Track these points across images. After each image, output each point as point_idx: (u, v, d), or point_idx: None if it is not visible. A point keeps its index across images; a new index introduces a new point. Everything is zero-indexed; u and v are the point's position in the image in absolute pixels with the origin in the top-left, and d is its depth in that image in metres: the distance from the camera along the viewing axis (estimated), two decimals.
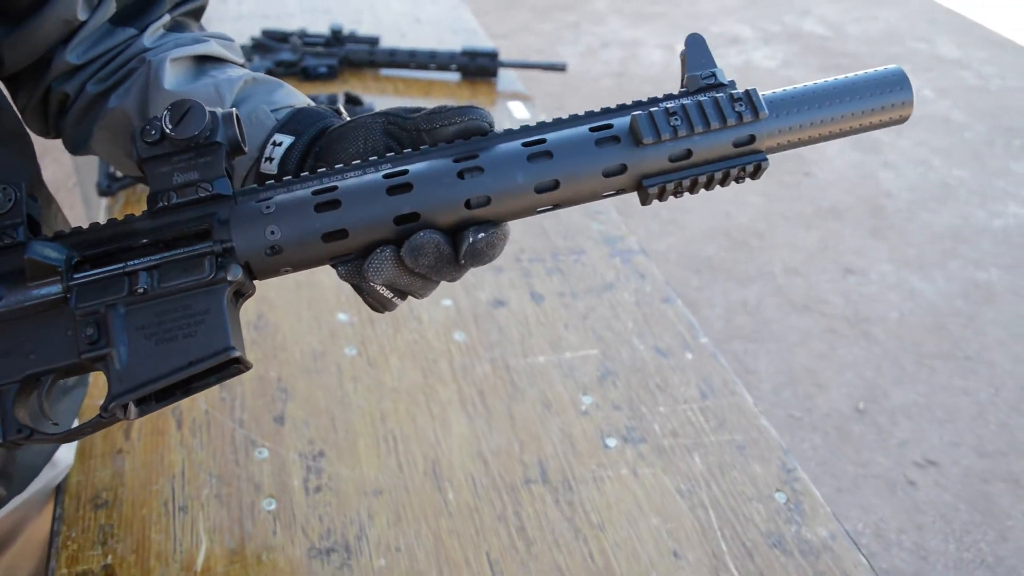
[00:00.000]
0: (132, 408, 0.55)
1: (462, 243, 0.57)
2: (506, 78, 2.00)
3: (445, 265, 0.58)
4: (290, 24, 2.15)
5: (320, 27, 2.06)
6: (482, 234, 0.57)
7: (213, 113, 0.58)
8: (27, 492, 0.98)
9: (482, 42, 2.16)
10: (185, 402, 1.08)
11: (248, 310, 1.24)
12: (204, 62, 0.78)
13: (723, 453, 1.07)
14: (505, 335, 1.24)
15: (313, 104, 0.75)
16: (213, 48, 0.79)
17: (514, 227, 1.48)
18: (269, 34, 2.00)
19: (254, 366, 1.13)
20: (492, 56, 1.94)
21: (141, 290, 0.55)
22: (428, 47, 2.00)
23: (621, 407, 1.13)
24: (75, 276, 0.56)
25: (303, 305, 1.27)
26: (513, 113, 1.85)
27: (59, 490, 0.98)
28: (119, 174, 1.52)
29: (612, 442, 1.08)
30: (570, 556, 0.94)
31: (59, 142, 0.85)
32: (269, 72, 1.86)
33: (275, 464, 1.01)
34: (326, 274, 1.33)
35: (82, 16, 0.75)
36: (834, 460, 2.61)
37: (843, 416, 2.76)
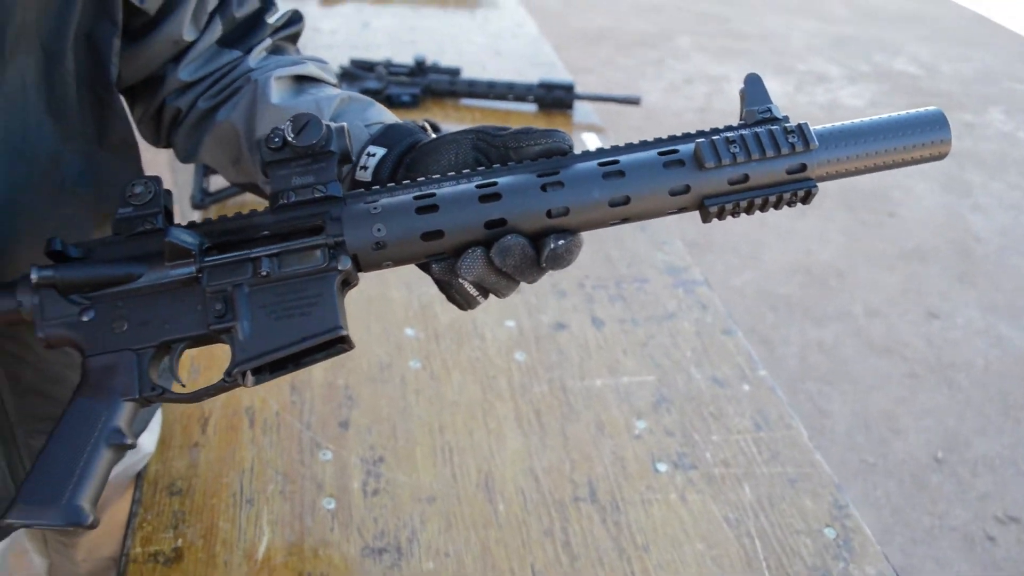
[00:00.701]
0: (250, 376, 0.63)
1: (544, 248, 0.64)
2: (582, 110, 2.05)
3: (528, 266, 0.65)
4: (377, 54, 2.25)
5: (405, 58, 2.15)
6: (562, 241, 0.64)
7: (328, 126, 0.66)
8: (111, 475, 1.06)
9: (560, 75, 2.22)
10: (257, 403, 1.15)
11: None
12: (304, 81, 0.85)
13: (774, 485, 1.08)
14: (564, 357, 1.27)
15: (406, 123, 0.81)
16: (311, 69, 0.86)
17: (580, 254, 1.51)
18: (357, 63, 2.10)
19: (324, 373, 1.20)
20: (568, 88, 1.99)
21: (264, 273, 0.63)
22: (507, 79, 2.06)
23: (674, 433, 1.15)
24: (206, 259, 0.64)
25: (373, 318, 1.33)
26: (587, 144, 1.90)
27: (139, 476, 1.05)
28: (212, 189, 1.62)
29: (663, 467, 1.10)
30: (612, 574, 0.96)
31: (154, 159, 0.93)
32: None
33: (337, 466, 1.07)
34: (396, 290, 1.39)
35: (189, 37, 0.83)
36: (908, 509, 2.54)
37: (920, 464, 2.69)
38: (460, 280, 0.65)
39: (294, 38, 0.94)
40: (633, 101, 2.06)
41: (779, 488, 1.08)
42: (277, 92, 0.81)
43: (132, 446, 0.66)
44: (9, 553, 1.03)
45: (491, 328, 1.33)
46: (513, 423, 1.15)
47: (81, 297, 0.65)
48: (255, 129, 0.79)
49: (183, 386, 0.68)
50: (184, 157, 0.89)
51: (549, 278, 1.44)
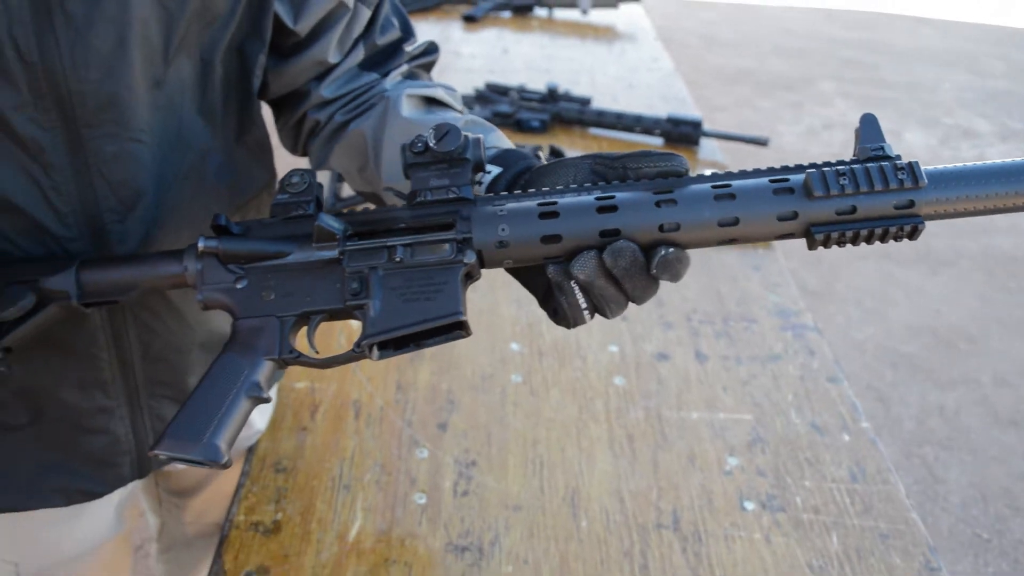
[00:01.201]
0: (375, 350, 0.69)
1: (654, 256, 0.67)
2: (708, 147, 2.06)
3: (638, 272, 0.67)
4: (513, 79, 2.32)
5: (538, 84, 2.22)
6: (672, 249, 0.67)
7: (466, 136, 0.72)
8: None
9: (690, 111, 2.23)
10: (364, 396, 1.21)
11: None
12: (432, 103, 0.92)
13: (864, 538, 1.06)
14: (663, 387, 1.29)
15: (522, 151, 0.86)
16: (440, 94, 0.92)
17: (689, 288, 1.52)
18: (492, 87, 2.17)
19: (429, 377, 1.26)
20: (696, 125, 2.01)
21: (398, 259, 0.70)
22: (636, 111, 2.09)
23: (766, 474, 1.15)
24: (348, 244, 0.72)
25: (482, 330, 1.38)
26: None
27: (250, 451, 1.13)
28: (343, 195, 1.72)
29: (750, 505, 1.10)
30: None
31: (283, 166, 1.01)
32: (487, 120, 2.03)
33: (432, 464, 1.12)
34: (507, 307, 1.44)
35: (333, 59, 0.91)
36: None
37: None
38: (571, 285, 0.68)
39: (429, 67, 1.01)
40: (761, 142, 2.05)
41: (869, 542, 1.06)
42: (407, 107, 0.87)
43: (267, 400, 0.73)
44: (124, 509, 1.12)
45: (594, 351, 1.35)
46: (605, 445, 1.17)
47: (237, 267, 0.73)
48: (383, 139, 0.86)
49: (316, 353, 0.74)
50: (316, 164, 0.97)
51: (656, 308, 1.46)
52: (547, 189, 0.72)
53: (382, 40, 0.95)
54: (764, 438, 1.20)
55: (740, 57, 5.99)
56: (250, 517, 1.03)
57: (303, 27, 0.88)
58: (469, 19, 2.93)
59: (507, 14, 3.05)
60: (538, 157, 0.83)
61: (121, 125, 0.76)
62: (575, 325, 0.72)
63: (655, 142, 2.06)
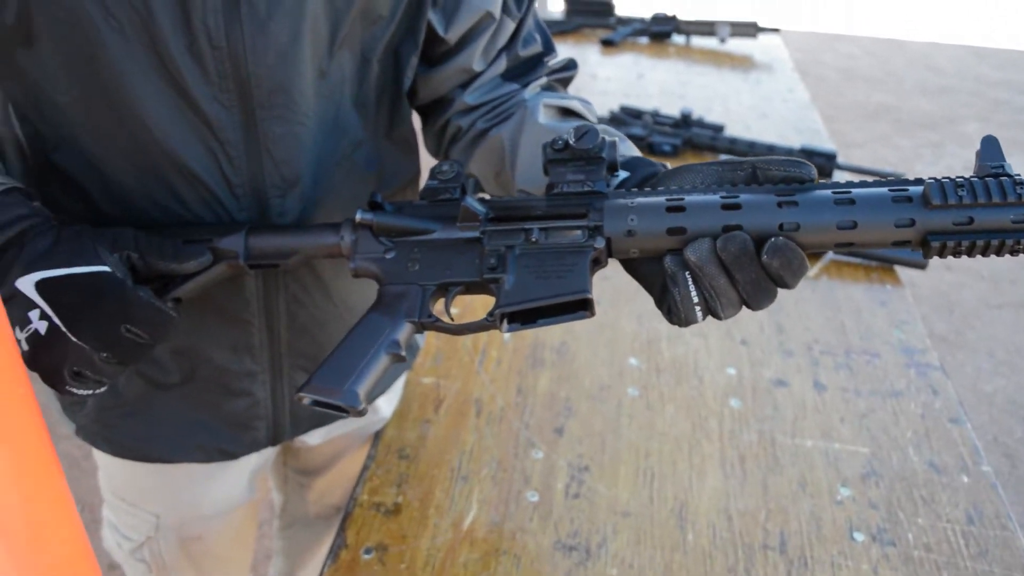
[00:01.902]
0: (505, 322, 0.74)
1: (766, 243, 0.69)
2: (840, 179, 2.03)
3: (748, 260, 0.69)
4: (647, 103, 2.36)
5: (672, 110, 2.25)
6: (782, 237, 0.69)
7: (604, 137, 0.77)
8: (350, 429, 1.22)
9: (825, 144, 2.21)
10: (485, 396, 1.27)
11: (554, 336, 1.42)
12: (567, 113, 0.97)
13: None
14: (779, 412, 1.29)
15: (652, 160, 0.90)
16: (576, 105, 0.97)
17: (812, 318, 1.52)
18: (626, 110, 2.22)
19: (549, 383, 1.30)
20: (830, 157, 2.00)
21: (534, 240, 0.76)
22: (769, 140, 2.09)
23: (878, 507, 1.14)
24: (488, 225, 0.78)
25: (602, 343, 1.42)
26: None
27: (376, 436, 1.20)
28: None
29: (860, 536, 1.09)
30: None
31: None
32: None
33: (546, 466, 1.16)
34: (628, 322, 1.48)
35: (478, 68, 0.97)
36: None
37: None
38: (685, 275, 0.70)
39: (566, 82, 1.07)
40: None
41: None
42: (544, 115, 0.93)
43: (403, 359, 0.78)
44: (256, 479, 1.21)
45: (711, 372, 1.37)
46: (717, 463, 1.19)
47: (387, 240, 0.81)
48: (519, 144, 0.91)
49: (451, 320, 0.81)
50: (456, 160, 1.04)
51: (777, 334, 1.47)
52: (676, 188, 0.75)
53: (524, 52, 1.01)
54: (879, 472, 1.19)
55: (880, 93, 5.83)
56: (373, 497, 1.10)
57: (452, 35, 0.94)
58: (607, 43, 2.99)
59: (644, 40, 3.09)
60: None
61: (289, 108, 0.84)
62: (687, 323, 0.73)
63: None
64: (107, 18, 0.74)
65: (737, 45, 3.06)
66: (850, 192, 0.70)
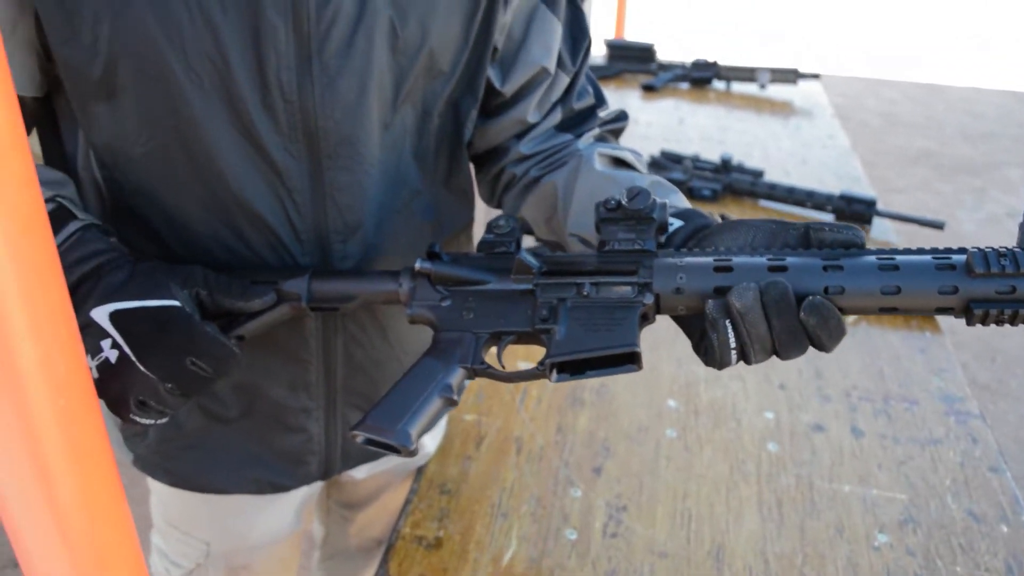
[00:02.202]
0: (555, 372, 0.76)
1: (804, 300, 0.71)
2: (881, 227, 2.05)
3: (787, 307, 0.70)
4: (687, 148, 2.39)
5: (712, 155, 2.28)
6: (820, 296, 0.70)
7: (655, 199, 0.80)
8: (394, 463, 1.25)
9: (865, 190, 2.23)
10: (526, 434, 1.30)
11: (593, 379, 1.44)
12: (620, 163, 1.00)
13: None
14: (816, 457, 1.30)
15: (703, 212, 0.93)
16: (627, 156, 1.01)
17: (851, 364, 1.53)
18: (666, 155, 2.25)
19: (588, 423, 1.33)
20: (869, 204, 2.01)
21: (586, 294, 0.78)
22: (808, 186, 2.11)
23: (915, 554, 1.14)
24: (541, 279, 0.81)
25: (641, 385, 1.44)
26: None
27: (419, 471, 1.24)
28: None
29: None
30: None
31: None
32: None
33: (584, 504, 1.18)
34: (667, 365, 1.50)
35: (533, 120, 1.01)
36: None
37: None
38: (726, 323, 0.72)
39: (618, 132, 1.10)
40: (936, 225, 2.02)
41: None
42: (599, 162, 0.97)
43: (455, 403, 0.81)
44: (303, 510, 1.24)
45: (749, 415, 1.39)
46: (754, 506, 1.20)
47: (444, 289, 0.84)
48: (573, 190, 0.95)
49: (503, 368, 0.83)
50: (508, 213, 1.07)
51: (815, 379, 1.48)
52: (723, 249, 0.77)
53: (578, 105, 1.05)
54: (917, 519, 1.20)
55: (922, 138, 5.82)
56: (415, 531, 1.13)
57: (509, 88, 0.99)
58: (648, 88, 3.04)
59: (685, 85, 3.13)
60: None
61: (354, 159, 0.89)
62: (723, 367, 0.75)
63: (826, 218, 2.07)
64: (188, 72, 0.79)
65: (777, 91, 3.09)
66: (894, 259, 0.72)
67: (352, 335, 1.01)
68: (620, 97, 2.98)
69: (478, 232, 1.15)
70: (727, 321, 0.72)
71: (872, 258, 0.73)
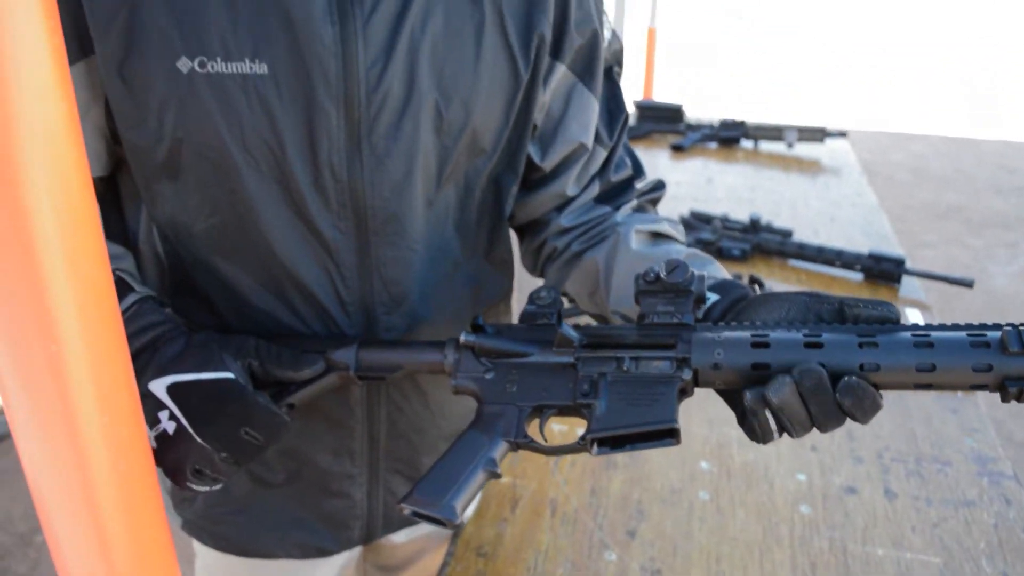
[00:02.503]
0: (596, 446, 0.79)
1: (839, 381, 0.72)
2: (910, 285, 2.07)
3: (823, 393, 0.72)
4: (715, 208, 2.43)
5: (742, 214, 2.32)
6: (855, 377, 0.72)
7: (692, 271, 0.83)
8: (432, 527, 1.28)
9: (892, 248, 2.25)
10: (560, 497, 1.32)
11: None
12: (657, 236, 1.03)
13: None
14: (849, 520, 1.31)
15: (739, 281, 0.96)
16: (665, 228, 1.04)
17: (883, 425, 1.54)
18: (696, 215, 2.29)
19: (621, 486, 1.35)
20: (898, 263, 2.03)
21: (625, 368, 0.80)
22: (837, 245, 2.14)
23: None
24: (582, 352, 0.83)
25: (673, 447, 1.45)
26: (910, 321, 1.91)
27: (455, 534, 1.26)
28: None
29: None
30: None
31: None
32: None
33: (619, 568, 1.20)
34: (699, 427, 1.52)
35: (571, 193, 1.05)
36: None
37: None
38: (765, 411, 0.74)
39: (656, 201, 1.14)
40: (965, 283, 2.03)
41: None
42: (635, 241, 1.00)
43: (498, 476, 0.83)
44: (343, 573, 1.27)
45: (782, 477, 1.40)
46: (788, 570, 1.21)
47: (487, 361, 0.86)
48: (613, 269, 0.98)
49: (545, 441, 0.86)
50: (552, 286, 1.11)
51: (847, 441, 1.49)
52: (760, 323, 0.79)
53: (616, 177, 1.08)
54: None
55: (951, 192, 5.81)
56: None
57: (548, 164, 1.03)
58: (677, 148, 3.09)
59: (713, 145, 3.18)
60: (753, 288, 0.92)
61: (401, 235, 0.94)
62: (766, 442, 0.78)
63: (855, 277, 2.09)
64: (245, 155, 0.85)
65: (805, 149, 3.13)
66: (929, 335, 0.73)
67: (395, 403, 1.04)
68: (649, 157, 3.04)
69: (515, 294, 1.19)
70: (767, 411, 0.74)
71: (907, 334, 0.74)
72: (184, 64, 0.81)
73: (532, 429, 0.85)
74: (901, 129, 7.33)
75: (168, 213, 0.91)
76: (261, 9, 0.81)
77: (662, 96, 3.82)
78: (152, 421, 0.81)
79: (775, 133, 3.12)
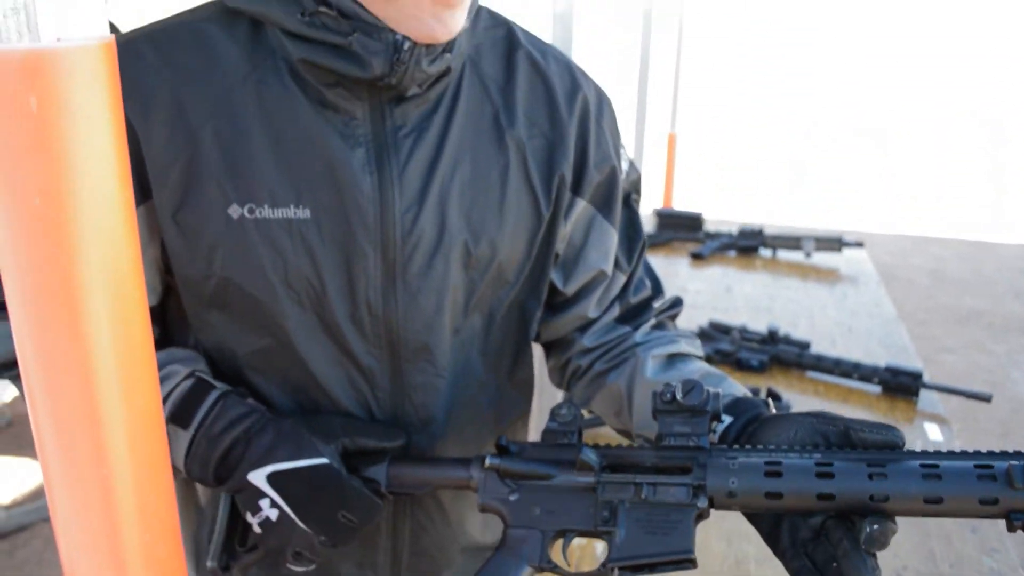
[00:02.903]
0: (617, 572, 0.81)
1: (861, 533, 0.75)
2: (928, 398, 2.09)
3: (853, 549, 0.75)
4: (735, 317, 2.49)
5: (759, 324, 2.37)
6: (877, 525, 0.75)
7: (708, 391, 0.86)
8: None
9: (911, 360, 2.28)
10: None
11: None
12: (675, 357, 1.08)
13: None
14: None
15: (749, 395, 0.99)
16: (682, 347, 1.08)
17: (901, 544, 1.55)
18: (715, 325, 2.35)
19: None
20: (915, 376, 2.06)
21: (644, 496, 0.84)
22: (855, 357, 2.18)
23: None
24: (603, 475, 0.86)
25: None
26: (928, 435, 1.93)
27: None
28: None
29: None
30: None
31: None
32: (707, 358, 2.19)
33: None
34: (717, 543, 1.54)
35: (592, 315, 1.11)
36: None
37: None
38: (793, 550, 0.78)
39: (674, 317, 1.19)
40: (983, 398, 2.06)
41: None
42: (651, 367, 1.05)
43: None
44: None
45: None
46: None
47: (512, 482, 0.89)
48: (634, 394, 1.04)
49: (568, 566, 0.88)
50: (579, 404, 1.16)
51: None
52: (773, 447, 0.82)
53: (634, 299, 1.13)
54: None
55: (973, 297, 5.84)
56: None
57: (570, 289, 1.09)
58: (696, 256, 3.17)
59: (732, 253, 3.26)
60: (767, 403, 0.96)
61: (430, 363, 1.00)
62: None
63: (873, 390, 2.13)
64: (288, 291, 0.92)
65: (823, 259, 3.20)
66: (938, 465, 0.76)
67: (418, 520, 1.09)
68: (669, 264, 3.12)
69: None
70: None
71: (915, 464, 0.76)
72: (235, 210, 0.89)
73: (555, 551, 0.89)
74: (920, 232, 7.41)
75: (214, 339, 0.98)
76: (305, 160, 0.90)
77: (682, 199, 3.93)
78: (254, 509, 0.88)
79: (793, 243, 3.20)
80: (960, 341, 5.04)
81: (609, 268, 1.10)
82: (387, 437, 0.95)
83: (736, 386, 1.01)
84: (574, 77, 1.05)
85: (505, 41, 1.02)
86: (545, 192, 1.01)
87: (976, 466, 0.75)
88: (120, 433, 0.54)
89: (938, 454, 0.77)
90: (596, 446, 0.89)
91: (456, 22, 0.86)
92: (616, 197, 1.09)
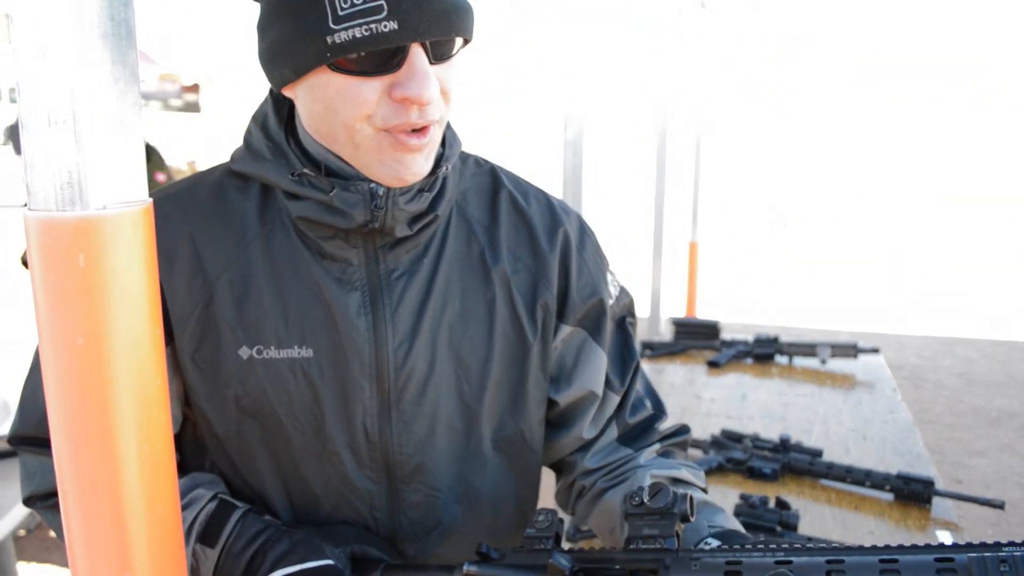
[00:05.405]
0: None
1: None
2: (942, 505, 2.10)
3: None
4: (748, 425, 2.53)
5: (773, 431, 2.41)
6: None
7: (675, 493, 0.91)
8: None
9: (926, 467, 2.30)
10: None
11: None
12: (675, 482, 1.11)
13: None
14: None
15: (744, 532, 1.04)
16: (684, 474, 1.12)
17: None
18: (727, 434, 2.39)
19: None
20: (927, 483, 2.08)
21: None
22: (868, 464, 2.20)
23: None
24: None
25: None
26: (941, 542, 1.94)
27: None
28: (583, 528, 1.95)
29: None
30: None
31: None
32: (719, 466, 2.23)
33: None
34: None
35: (588, 436, 1.16)
36: None
37: None
38: None
39: (683, 445, 1.22)
40: (996, 505, 2.07)
41: None
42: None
43: None
44: None
45: None
46: None
47: None
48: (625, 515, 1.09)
49: None
50: (579, 521, 1.22)
51: None
52: (738, 546, 0.87)
53: (633, 419, 1.18)
54: None
55: (1002, 398, 5.78)
56: None
57: (563, 401, 1.15)
58: (713, 364, 3.23)
59: (749, 360, 3.31)
60: (764, 544, 0.99)
61: (425, 484, 1.07)
62: None
63: (885, 498, 2.14)
64: (292, 421, 1.02)
65: (839, 364, 3.24)
66: (896, 560, 0.78)
67: None
68: (686, 372, 3.17)
69: None
70: None
71: (874, 558, 0.79)
72: (244, 352, 1.01)
73: None
74: (948, 334, 7.39)
75: (227, 462, 1.07)
76: (307, 306, 1.01)
77: (704, 306, 4.00)
78: None
79: (808, 350, 3.25)
80: (990, 444, 4.97)
81: (599, 389, 1.15)
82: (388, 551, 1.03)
83: (731, 520, 1.06)
84: (554, 214, 1.14)
85: (489, 185, 1.13)
86: (530, 320, 1.10)
87: (936, 559, 0.76)
88: (142, 539, 0.65)
89: (901, 548, 0.79)
90: (571, 551, 0.95)
91: (419, 164, 0.95)
92: (605, 322, 1.16)
